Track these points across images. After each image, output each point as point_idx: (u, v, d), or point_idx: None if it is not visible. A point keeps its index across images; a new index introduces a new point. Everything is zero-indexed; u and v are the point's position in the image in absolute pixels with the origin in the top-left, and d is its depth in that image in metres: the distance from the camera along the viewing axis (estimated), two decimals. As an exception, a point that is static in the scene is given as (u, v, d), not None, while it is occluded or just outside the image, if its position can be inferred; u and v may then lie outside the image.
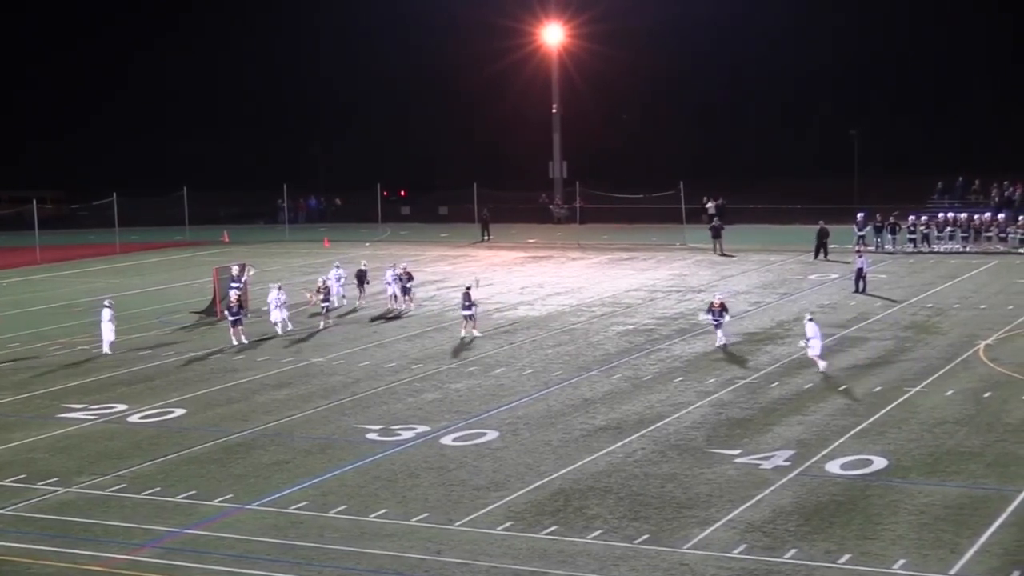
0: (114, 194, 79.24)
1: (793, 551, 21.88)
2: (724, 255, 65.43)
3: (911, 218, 66.60)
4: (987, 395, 32.78)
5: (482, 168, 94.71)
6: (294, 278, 50.61)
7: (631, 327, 44.59)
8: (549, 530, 23.37)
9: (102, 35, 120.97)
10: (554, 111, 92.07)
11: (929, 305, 47.59)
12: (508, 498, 25.28)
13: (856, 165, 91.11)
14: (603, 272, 60.73)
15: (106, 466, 28.49)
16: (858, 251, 56.67)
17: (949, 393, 33.10)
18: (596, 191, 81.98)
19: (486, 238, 77.76)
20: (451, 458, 28.35)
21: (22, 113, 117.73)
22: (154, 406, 34.33)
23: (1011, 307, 46.51)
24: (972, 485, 25.30)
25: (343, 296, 50.88)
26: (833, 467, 26.72)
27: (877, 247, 64.96)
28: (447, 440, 29.94)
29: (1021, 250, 63.52)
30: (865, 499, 24.54)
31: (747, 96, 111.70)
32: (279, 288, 45.53)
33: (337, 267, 52.19)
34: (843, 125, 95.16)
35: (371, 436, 30.47)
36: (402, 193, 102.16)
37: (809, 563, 21.35)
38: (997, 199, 74.92)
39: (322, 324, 46.05)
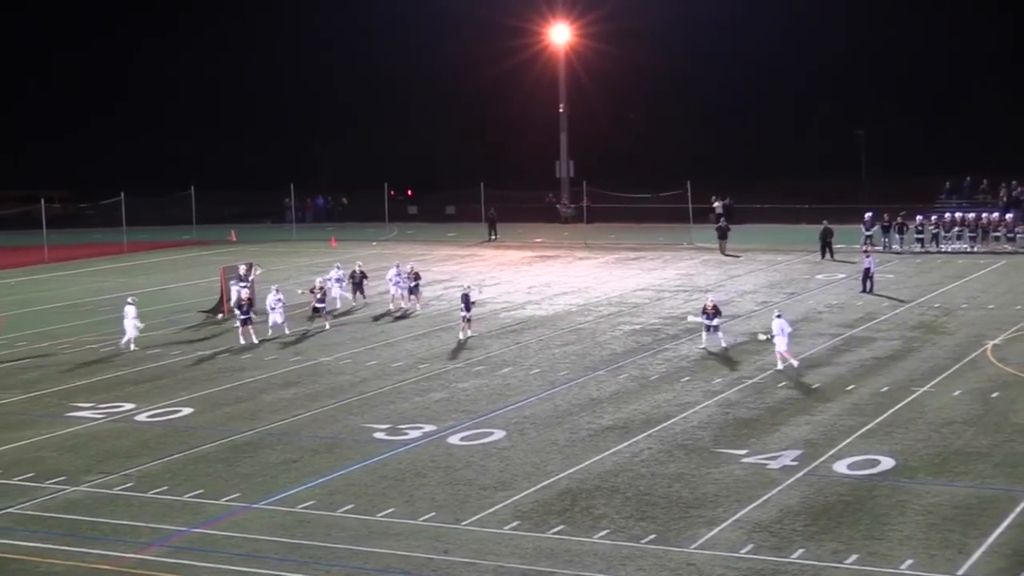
0: (122, 193, 79.32)
1: (800, 551, 21.88)
2: (728, 255, 65.33)
3: (918, 218, 66.51)
4: (995, 395, 32.74)
5: (489, 168, 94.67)
6: (301, 277, 50.70)
7: (638, 327, 44.58)
8: (556, 530, 23.37)
9: (106, 34, 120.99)
10: (561, 111, 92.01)
11: (937, 305, 47.54)
12: (515, 497, 25.29)
13: (863, 165, 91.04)
14: (610, 272, 60.72)
15: (114, 465, 28.54)
16: (865, 251, 56.59)
17: (957, 393, 33.07)
18: (603, 191, 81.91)
19: (493, 238, 77.75)
20: (458, 457, 28.37)
21: (27, 113, 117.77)
22: (162, 405, 34.38)
23: (1019, 307, 46.44)
24: (980, 485, 25.28)
25: (341, 297, 50.41)
26: (840, 467, 26.71)
27: (884, 247, 64.88)
28: (454, 439, 29.96)
29: (1029, 250, 63.43)
30: (872, 499, 24.53)
31: (754, 96, 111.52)
32: (276, 289, 45.39)
33: (337, 268, 51.99)
34: (850, 125, 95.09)
35: (378, 435, 30.49)
36: (409, 193, 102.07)
37: (816, 563, 21.34)
38: (1005, 199, 74.79)
39: (315, 325, 45.84)
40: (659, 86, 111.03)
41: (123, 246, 76.80)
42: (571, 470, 27.10)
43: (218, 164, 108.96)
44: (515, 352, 40.58)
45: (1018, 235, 64.72)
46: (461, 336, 42.83)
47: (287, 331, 44.49)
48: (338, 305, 49.60)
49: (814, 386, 34.37)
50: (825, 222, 63.37)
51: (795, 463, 27.04)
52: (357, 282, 50.60)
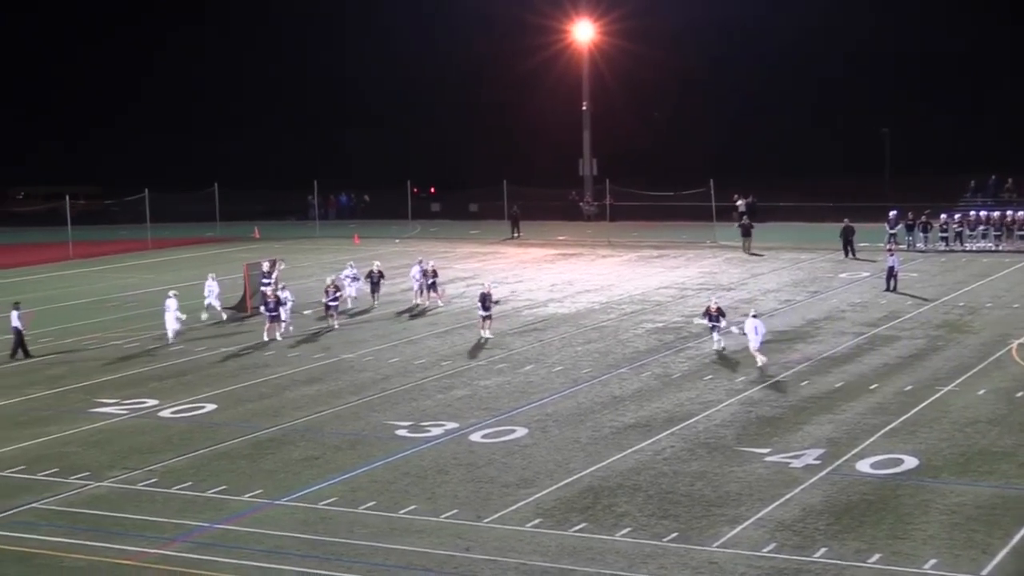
0: (146, 190, 79.65)
1: (823, 550, 21.82)
2: (753, 254, 65.17)
3: (943, 216, 66.27)
4: (1019, 394, 32.59)
5: (512, 165, 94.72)
6: (324, 274, 50.76)
7: (661, 325, 44.53)
8: (578, 527, 23.36)
9: (131, 30, 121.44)
10: (584, 108, 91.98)
11: (961, 304, 47.35)
12: (537, 495, 25.29)
13: (888, 163, 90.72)
14: (633, 270, 60.66)
15: (138, 461, 28.64)
16: (889, 250, 56.43)
17: (981, 392, 32.93)
18: (626, 188, 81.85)
19: (516, 235, 77.75)
20: (480, 455, 28.38)
21: (52, 110, 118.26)
22: (185, 401, 34.49)
23: (1044, 306, 46.30)
24: (1004, 485, 25.17)
25: (355, 296, 50.11)
26: (864, 466, 26.62)
27: (909, 246, 64.65)
28: (476, 437, 29.97)
29: (1054, 249, 63.15)
30: (896, 498, 24.44)
31: (778, 94, 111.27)
32: (283, 288, 45.31)
33: (351, 266, 51.74)
34: (874, 123, 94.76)
35: (400, 432, 30.53)
36: (432, 190, 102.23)
37: (839, 562, 21.28)
38: (1030, 197, 74.51)
39: (328, 323, 45.83)
40: (682, 84, 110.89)
41: (147, 242, 77.10)
42: (593, 468, 27.08)
43: (242, 161, 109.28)
44: (538, 350, 40.58)
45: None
46: (483, 335, 42.66)
47: (291, 328, 44.35)
48: (350, 304, 49.39)
49: (837, 385, 34.27)
50: (846, 220, 63.17)
51: (818, 462, 26.97)
52: (375, 281, 50.26)
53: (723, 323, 39.46)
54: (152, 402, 34.50)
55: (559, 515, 24.05)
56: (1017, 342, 39.43)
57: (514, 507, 24.60)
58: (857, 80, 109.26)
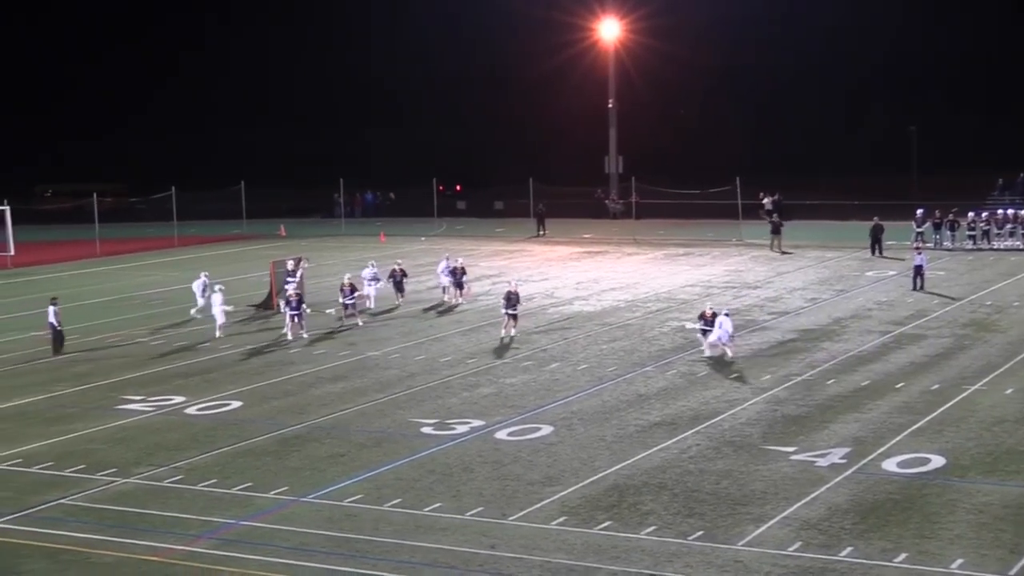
0: (172, 188, 79.96)
1: (849, 549, 21.75)
2: (783, 252, 65.01)
3: (970, 215, 65.95)
4: (1047, 394, 32.45)
5: (538, 163, 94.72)
6: (351, 272, 50.80)
7: (686, 323, 44.39)
8: (603, 525, 23.33)
9: (159, 28, 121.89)
10: (610, 106, 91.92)
11: (988, 303, 47.13)
12: (562, 493, 25.27)
13: (915, 161, 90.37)
14: (658, 268, 60.58)
15: (163, 457, 28.74)
16: (916, 248, 56.20)
17: (1009, 391, 32.76)
18: (652, 186, 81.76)
19: (542, 233, 77.75)
20: (505, 453, 28.38)
21: (79, 107, 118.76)
22: (211, 398, 34.59)
23: (1072, 305, 46.04)
24: (1031, 485, 25.06)
25: (372, 298, 49.57)
26: (890, 465, 26.52)
27: (936, 244, 64.38)
28: (501, 435, 29.96)
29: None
30: (922, 498, 24.34)
31: (805, 92, 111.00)
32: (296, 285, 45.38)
33: (372, 266, 51.21)
34: (902, 120, 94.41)
35: (426, 430, 30.55)
36: (458, 188, 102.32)
37: (865, 561, 21.20)
38: (1059, 196, 74.14)
39: (345, 321, 45.81)
40: (709, 82, 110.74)
41: (174, 240, 77.41)
42: (618, 466, 27.05)
43: (268, 159, 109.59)
44: (563, 348, 40.56)
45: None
46: (503, 333, 42.29)
47: (292, 336, 43.96)
48: (368, 304, 49.02)
49: (863, 384, 34.15)
50: (876, 218, 62.97)
51: (844, 461, 26.88)
52: (398, 281, 50.07)
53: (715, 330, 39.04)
54: (178, 399, 34.62)
55: (584, 513, 24.03)
56: (1045, 341, 39.25)
57: (539, 505, 24.58)
58: (885, 78, 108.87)
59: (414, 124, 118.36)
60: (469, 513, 24.23)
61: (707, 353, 38.41)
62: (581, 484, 25.83)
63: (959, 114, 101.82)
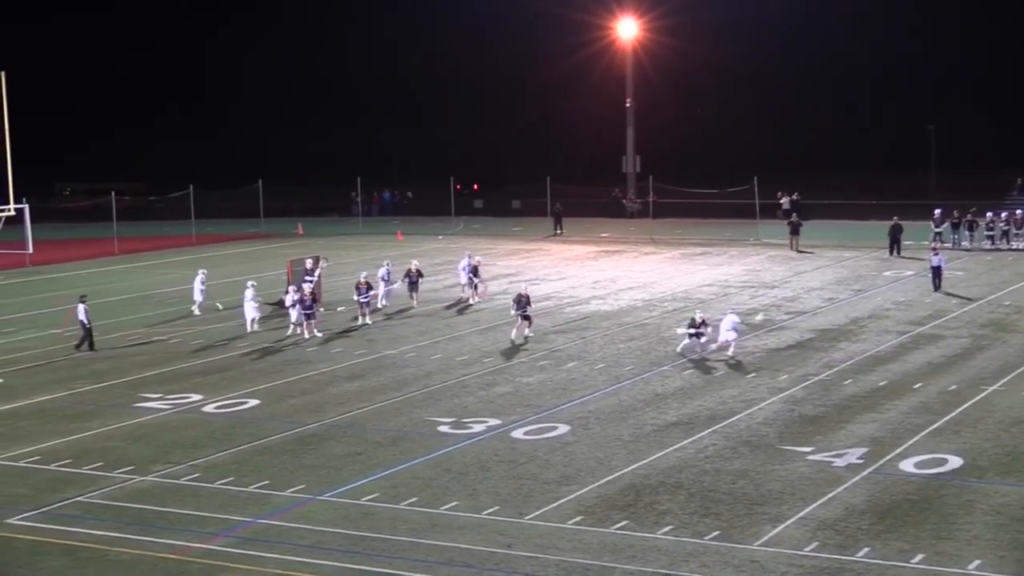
0: (190, 186, 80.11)
1: (866, 550, 21.72)
2: (801, 251, 64.92)
3: (989, 214, 65.73)
4: (1065, 395, 32.35)
5: (555, 162, 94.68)
6: (368, 270, 50.87)
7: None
8: (619, 525, 23.34)
9: (177, 28, 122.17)
10: (628, 105, 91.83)
11: (1007, 303, 46.99)
12: (578, 492, 25.28)
13: (933, 161, 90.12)
14: (676, 267, 60.53)
15: (181, 455, 28.81)
16: (934, 248, 56.07)
17: (1026, 392, 32.70)
18: (669, 186, 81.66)
19: (559, 232, 77.72)
20: (522, 452, 28.39)
21: (97, 107, 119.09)
22: (229, 396, 34.67)
23: (1091, 306, 45.86)
24: (1049, 486, 24.99)
25: (385, 296, 49.59)
26: (907, 466, 26.47)
27: (954, 244, 64.18)
28: (518, 434, 29.98)
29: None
30: (940, 498, 24.29)
31: (823, 91, 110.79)
32: (293, 288, 45.26)
33: (387, 265, 51.16)
34: (920, 120, 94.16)
35: (442, 429, 30.58)
36: (475, 187, 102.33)
37: (882, 562, 21.17)
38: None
39: (359, 320, 45.84)
40: (726, 81, 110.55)
41: (191, 238, 77.60)
42: (635, 465, 27.05)
43: (285, 157, 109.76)
44: (580, 347, 40.55)
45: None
46: (513, 335, 41.91)
47: (308, 335, 43.87)
48: (380, 303, 48.95)
49: (881, 384, 34.09)
50: (895, 218, 62.84)
51: (861, 461, 26.84)
52: (413, 281, 49.76)
53: (706, 334, 38.82)
54: (195, 397, 34.71)
55: (600, 512, 24.04)
56: (1064, 341, 39.12)
57: (555, 504, 24.59)
58: (903, 77, 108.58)
59: (432, 123, 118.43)
60: (485, 512, 24.25)
61: (679, 350, 38.67)
62: (597, 483, 25.83)
63: (978, 113, 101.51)
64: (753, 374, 35.78)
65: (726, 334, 38.47)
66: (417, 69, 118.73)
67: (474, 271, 50.59)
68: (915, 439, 28.44)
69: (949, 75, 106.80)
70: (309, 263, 49.04)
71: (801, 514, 23.59)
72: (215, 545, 22.93)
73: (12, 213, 64.46)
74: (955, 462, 26.61)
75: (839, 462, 26.83)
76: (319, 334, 43.26)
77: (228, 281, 58.11)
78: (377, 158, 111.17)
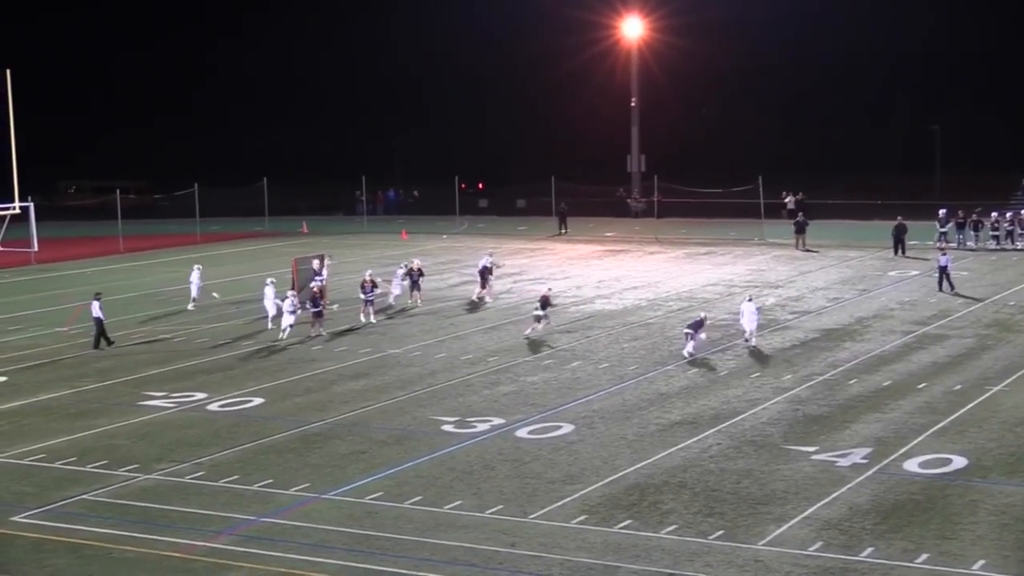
0: (195, 185, 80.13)
1: (870, 549, 21.71)
2: (807, 250, 64.93)
3: (994, 215, 65.67)
4: (1070, 395, 32.31)
5: (560, 161, 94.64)
6: (372, 269, 50.87)
7: (708, 322, 44.30)
8: (623, 524, 23.33)
9: (182, 25, 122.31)
10: (633, 105, 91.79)
11: (1012, 303, 46.95)
12: (583, 492, 25.28)
13: (938, 161, 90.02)
14: (680, 267, 60.50)
15: (185, 453, 28.83)
16: (941, 248, 55.99)
17: (1031, 392, 32.67)
18: (674, 185, 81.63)
19: (563, 231, 77.72)
20: (526, 451, 28.39)
21: (103, 104, 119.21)
22: (233, 395, 34.69)
23: (1096, 306, 45.81)
24: (1054, 486, 24.96)
25: (395, 294, 49.70)
26: (911, 466, 26.45)
27: (959, 244, 64.09)
28: (522, 433, 29.98)
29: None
30: (944, 498, 24.28)
31: (828, 90, 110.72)
32: (293, 293, 45.22)
33: (405, 265, 51.15)
34: (925, 120, 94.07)
35: (447, 428, 30.58)
36: (480, 186, 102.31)
37: (886, 562, 21.15)
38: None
39: (363, 319, 45.81)
40: (731, 81, 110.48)
41: (196, 237, 77.66)
42: (639, 465, 27.04)
43: (290, 156, 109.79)
44: (584, 346, 40.55)
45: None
46: (527, 332, 42.24)
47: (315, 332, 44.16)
48: (390, 300, 49.11)
49: (885, 384, 34.07)
50: (899, 218, 62.78)
51: (865, 461, 26.82)
52: (414, 280, 49.75)
53: (702, 335, 39.05)
54: (200, 395, 34.73)
55: (605, 512, 24.04)
56: (1068, 342, 39.07)
57: (560, 503, 24.59)
58: (908, 77, 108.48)
59: (437, 122, 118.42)
60: (489, 511, 24.25)
61: (686, 351, 38.56)
62: (602, 483, 25.83)
63: (983, 113, 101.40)
64: (757, 374, 35.77)
65: (750, 323, 39.56)
66: (422, 68, 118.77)
67: (487, 271, 50.65)
68: (919, 439, 28.42)
69: (954, 75, 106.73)
70: (316, 264, 49.01)
71: (805, 514, 23.58)
72: (219, 543, 22.94)
73: (17, 211, 64.54)
74: (959, 462, 26.59)
75: (843, 462, 26.82)
76: (324, 333, 43.24)
77: (231, 280, 58.20)
78: (382, 157, 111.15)
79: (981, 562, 21.06)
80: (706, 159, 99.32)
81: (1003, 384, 33.58)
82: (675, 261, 62.88)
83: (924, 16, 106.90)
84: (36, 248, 67.48)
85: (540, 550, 22.12)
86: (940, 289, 49.68)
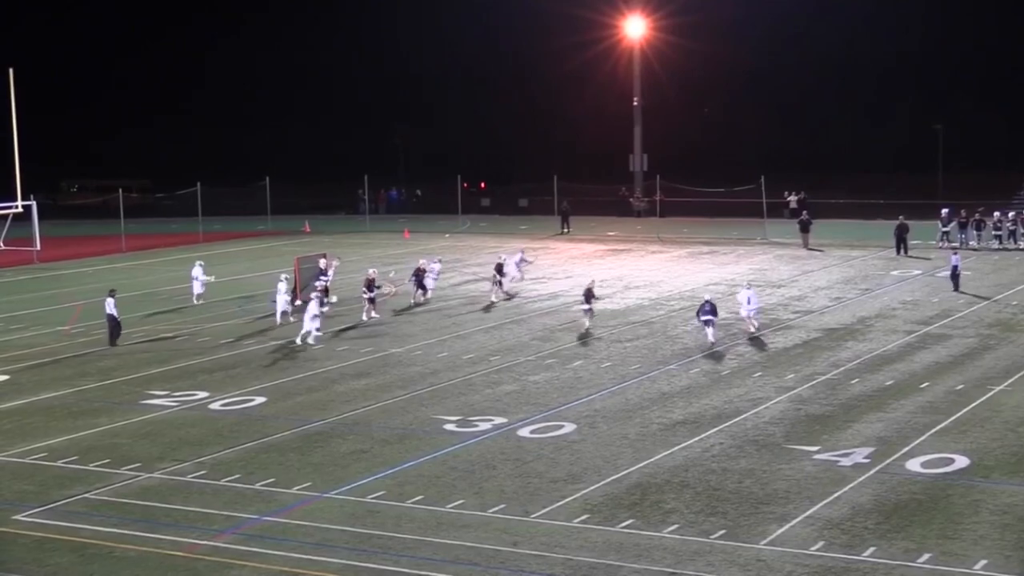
0: (198, 184, 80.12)
1: (872, 549, 21.69)
2: (811, 249, 64.93)
3: (996, 214, 65.63)
4: (1073, 395, 32.27)
5: (562, 161, 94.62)
6: (375, 267, 50.87)
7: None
8: (625, 523, 23.32)
9: (184, 24, 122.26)
10: (635, 104, 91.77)
11: (1014, 302, 46.91)
12: (585, 491, 25.27)
13: (940, 160, 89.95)
14: (683, 266, 60.48)
15: (187, 452, 28.83)
16: (954, 249, 56.02)
17: (1033, 392, 32.64)
18: (676, 184, 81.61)
19: (566, 231, 77.71)
20: (528, 450, 28.38)
21: (106, 104, 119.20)
22: (235, 394, 34.68)
23: (1098, 306, 45.76)
24: (1056, 486, 24.93)
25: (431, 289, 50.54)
26: (914, 465, 26.43)
27: (961, 244, 64.04)
28: (524, 432, 29.96)
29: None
30: (946, 498, 24.26)
31: (831, 90, 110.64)
32: (317, 294, 45.48)
33: (438, 261, 53.10)
34: (927, 119, 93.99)
35: (449, 427, 30.57)
36: (482, 185, 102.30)
37: (888, 562, 21.14)
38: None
39: (364, 316, 45.86)
40: (734, 80, 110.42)
41: (199, 236, 77.64)
42: (641, 464, 27.03)
43: (293, 155, 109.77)
44: (587, 345, 40.52)
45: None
46: (587, 323, 43.10)
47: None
48: (424, 296, 49.95)
49: (887, 383, 34.04)
50: (901, 217, 62.77)
51: (867, 460, 26.80)
52: (420, 280, 50.03)
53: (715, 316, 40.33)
54: (202, 394, 34.72)
55: (607, 511, 24.03)
56: (1071, 341, 39.03)
57: (562, 503, 24.58)
58: (910, 76, 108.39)
59: (439, 121, 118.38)
60: (491, 510, 24.24)
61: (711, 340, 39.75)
62: (604, 482, 25.82)
63: (985, 113, 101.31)
64: (759, 373, 35.74)
65: (748, 308, 41.05)
66: (425, 67, 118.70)
67: (499, 269, 50.74)
68: (922, 439, 28.40)
69: (957, 74, 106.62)
70: (322, 263, 49.02)
71: (807, 513, 23.57)
72: (221, 542, 22.93)
73: (20, 210, 64.61)
74: (962, 462, 26.57)
75: (845, 461, 26.80)
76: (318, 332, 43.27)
77: (233, 279, 58.19)
78: (384, 156, 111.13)
79: (983, 562, 21.04)
80: (708, 158, 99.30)
81: (1005, 384, 33.55)
82: (677, 260, 62.86)
83: (927, 15, 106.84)
84: (38, 247, 67.57)
85: (542, 549, 22.11)
86: (956, 289, 49.41)
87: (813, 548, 21.85)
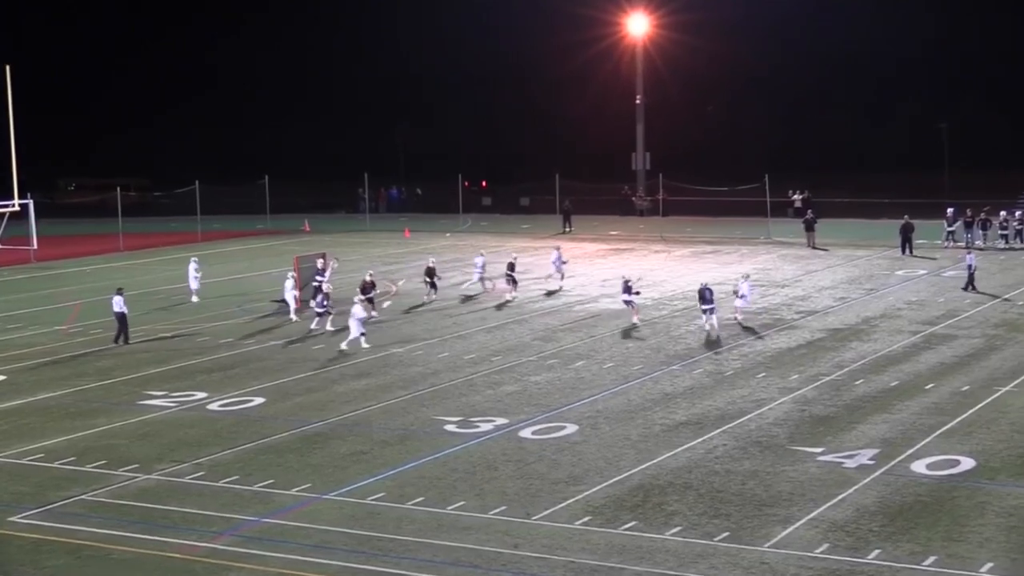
0: (196, 182, 79.93)
1: (877, 551, 21.48)
2: (816, 248, 64.76)
3: (1002, 213, 65.39)
4: (1079, 395, 32.05)
5: (564, 159, 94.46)
6: (374, 267, 50.72)
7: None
8: (628, 525, 23.12)
9: (184, 22, 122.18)
10: (638, 102, 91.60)
11: (1021, 302, 46.70)
12: (587, 492, 25.07)
13: (946, 159, 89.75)
14: (686, 265, 60.28)
15: (185, 453, 28.64)
16: (966, 248, 55.84)
17: (1040, 393, 32.42)
18: (679, 183, 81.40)
19: (568, 230, 77.52)
20: (530, 451, 28.18)
21: (104, 102, 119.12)
22: (234, 394, 34.50)
23: (1104, 305, 45.55)
24: (1063, 488, 24.71)
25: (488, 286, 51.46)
26: (919, 467, 26.21)
27: (967, 243, 63.80)
28: (526, 433, 29.77)
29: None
30: (951, 500, 24.04)
31: (835, 88, 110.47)
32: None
33: (482, 254, 53.72)
34: (932, 118, 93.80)
35: (449, 428, 30.38)
36: (483, 184, 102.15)
37: (893, 564, 20.93)
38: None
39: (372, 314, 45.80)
40: (738, 78, 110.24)
41: (197, 235, 77.45)
42: (644, 466, 26.82)
43: (292, 154, 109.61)
44: (588, 345, 40.33)
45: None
46: (635, 320, 43.51)
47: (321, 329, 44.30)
48: (488, 287, 51.22)
49: (892, 384, 33.82)
50: (906, 217, 62.57)
51: (872, 462, 26.58)
52: (431, 276, 50.02)
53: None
54: (201, 395, 34.54)
55: (609, 513, 23.82)
56: (1077, 342, 38.81)
57: (563, 504, 24.39)
58: (915, 75, 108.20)
59: (440, 119, 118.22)
60: (492, 512, 24.04)
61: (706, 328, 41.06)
62: (606, 484, 25.62)
63: (991, 112, 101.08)
64: (763, 373, 35.53)
65: (739, 299, 42.49)
66: (426, 65, 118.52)
67: (510, 267, 50.67)
68: (927, 440, 28.19)
69: (962, 73, 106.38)
70: (320, 263, 48.85)
71: (811, 515, 23.36)
72: (219, 544, 22.76)
73: (17, 209, 64.42)
74: (967, 463, 26.36)
75: (850, 463, 26.58)
76: (330, 328, 43.11)
77: (233, 278, 58.06)
78: (385, 155, 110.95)
79: (989, 565, 20.83)
80: (712, 157, 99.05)
81: (1012, 385, 33.33)
82: (680, 260, 62.67)
83: (932, 14, 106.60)
84: (36, 246, 67.41)
85: (544, 551, 21.92)
86: (974, 290, 49.05)
87: (817, 550, 21.64)
